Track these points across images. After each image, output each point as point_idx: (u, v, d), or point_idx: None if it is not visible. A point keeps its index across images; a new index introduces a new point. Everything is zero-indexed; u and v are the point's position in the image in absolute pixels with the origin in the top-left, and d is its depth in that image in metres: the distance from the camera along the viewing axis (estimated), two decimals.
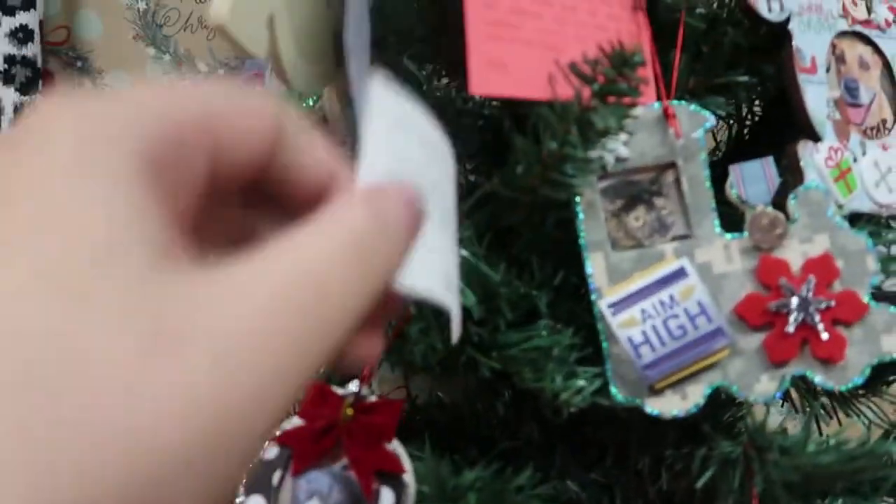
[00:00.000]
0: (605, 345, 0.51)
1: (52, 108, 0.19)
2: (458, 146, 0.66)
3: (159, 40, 0.93)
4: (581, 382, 0.51)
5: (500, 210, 0.56)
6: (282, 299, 0.19)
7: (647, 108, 0.53)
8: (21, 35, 0.87)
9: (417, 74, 0.54)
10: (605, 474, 0.62)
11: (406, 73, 0.54)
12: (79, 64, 0.94)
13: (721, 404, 0.56)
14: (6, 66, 0.87)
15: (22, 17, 0.87)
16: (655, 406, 0.50)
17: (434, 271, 0.26)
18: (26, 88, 0.87)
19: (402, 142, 0.26)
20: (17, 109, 0.86)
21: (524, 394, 0.63)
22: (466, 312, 0.52)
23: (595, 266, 0.52)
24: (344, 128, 0.56)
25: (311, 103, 0.64)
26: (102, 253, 0.17)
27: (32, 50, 0.88)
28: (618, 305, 0.50)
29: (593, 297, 0.52)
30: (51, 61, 0.92)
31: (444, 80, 0.61)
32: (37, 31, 0.88)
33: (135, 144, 0.19)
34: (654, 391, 0.50)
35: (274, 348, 0.18)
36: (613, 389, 0.51)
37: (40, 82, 0.88)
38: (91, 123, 0.19)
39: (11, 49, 0.87)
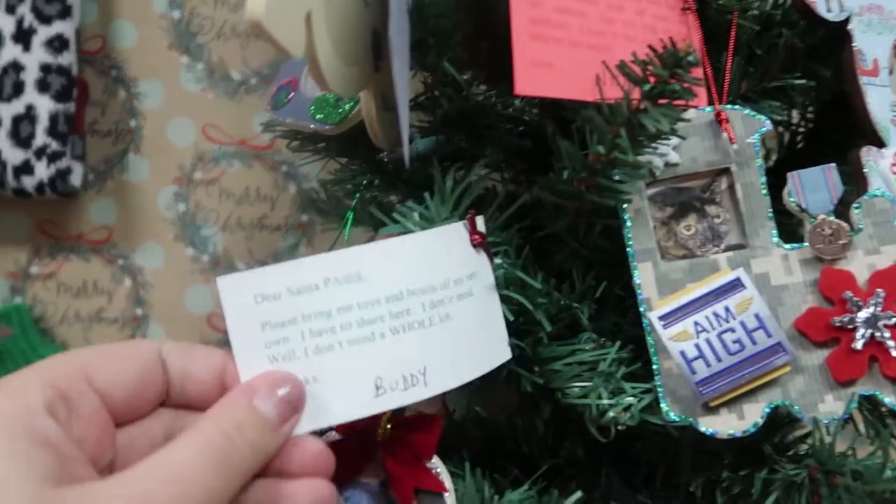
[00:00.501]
0: (655, 359, 0.49)
1: None
2: (497, 154, 0.64)
3: (193, 49, 0.93)
4: (629, 399, 0.49)
5: (542, 218, 0.54)
6: (144, 498, 0.29)
7: (699, 111, 0.50)
8: (57, 44, 0.87)
9: (458, 78, 0.52)
10: (653, 496, 0.59)
11: (445, 77, 0.52)
12: (113, 73, 0.93)
13: (780, 424, 0.53)
14: (42, 74, 0.87)
15: (58, 26, 0.87)
16: (710, 425, 0.47)
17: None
18: (61, 97, 0.87)
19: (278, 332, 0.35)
20: (53, 118, 0.86)
21: (567, 410, 0.61)
22: (508, 323, 0.49)
23: (644, 276, 0.50)
24: (381, 131, 0.54)
25: (346, 108, 0.62)
26: None
27: (68, 59, 0.87)
28: (669, 318, 0.48)
29: (642, 308, 0.49)
30: (86, 70, 0.92)
31: (484, 87, 0.59)
32: (73, 39, 0.88)
33: (22, 418, 0.29)
34: (709, 409, 0.47)
35: None
36: (665, 407, 0.48)
37: (75, 91, 0.88)
38: None
39: (47, 58, 0.87)
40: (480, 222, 0.43)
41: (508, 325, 0.49)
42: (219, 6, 0.93)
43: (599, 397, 0.49)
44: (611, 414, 0.48)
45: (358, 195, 0.67)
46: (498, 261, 0.46)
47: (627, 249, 0.50)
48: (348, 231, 0.67)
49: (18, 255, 0.94)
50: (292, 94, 0.71)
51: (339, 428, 0.47)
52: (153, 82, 0.93)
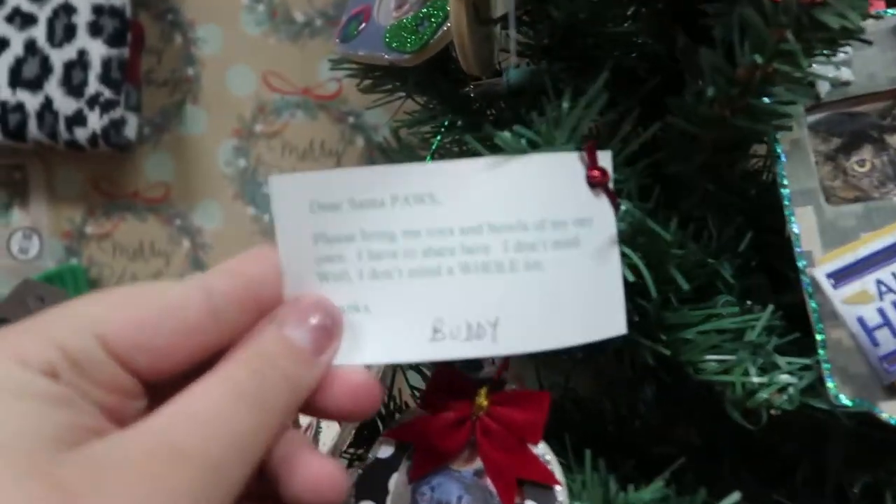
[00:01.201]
0: (819, 327, 0.39)
1: None
2: (600, 87, 0.54)
3: None
4: (785, 377, 0.39)
5: (671, 154, 0.44)
6: (170, 448, 0.25)
7: (880, 14, 0.40)
8: None
9: None
10: (792, 496, 0.49)
11: None
12: (169, 16, 0.87)
13: None
14: (94, 16, 0.81)
15: None
16: (895, 412, 0.37)
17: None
18: (114, 41, 0.81)
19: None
20: (106, 64, 0.80)
21: (683, 390, 0.51)
22: (626, 283, 0.40)
23: (803, 224, 0.40)
24: (472, 51, 0.45)
25: (427, 32, 0.54)
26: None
27: None
28: (840, 275, 0.38)
29: (801, 264, 0.39)
30: (140, 14, 0.85)
31: None
32: None
33: (20, 377, 0.25)
34: (894, 391, 0.37)
35: (167, 485, 0.24)
36: (832, 388, 0.38)
37: (128, 35, 0.82)
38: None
39: None
40: (604, 157, 0.34)
41: (627, 284, 0.39)
42: None
43: (746, 374, 0.39)
44: (762, 395, 0.39)
45: (438, 138, 0.59)
46: (626, 205, 0.36)
47: (781, 191, 0.40)
48: None
49: (73, 214, 0.90)
50: (363, 24, 0.62)
51: (426, 403, 0.39)
52: (211, 26, 0.87)
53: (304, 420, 0.52)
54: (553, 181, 0.33)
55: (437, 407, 0.39)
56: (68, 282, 0.87)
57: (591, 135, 0.53)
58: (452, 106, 0.59)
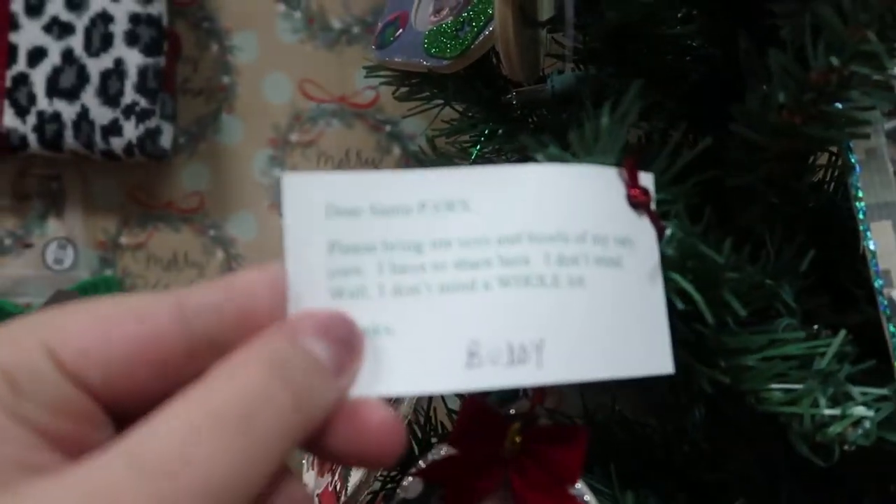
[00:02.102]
0: None
1: None
2: (651, 94, 0.51)
3: None
4: (860, 409, 0.36)
5: (732, 166, 0.41)
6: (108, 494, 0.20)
7: None
8: None
9: None
10: None
11: None
12: (205, 24, 0.86)
13: None
14: (131, 25, 0.80)
15: None
16: None
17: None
18: (151, 50, 0.80)
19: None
20: (142, 73, 0.79)
21: (740, 416, 0.48)
22: (686, 303, 0.37)
23: (881, 240, 0.37)
24: (518, 55, 0.42)
25: (468, 38, 0.51)
26: None
27: (158, 8, 0.81)
28: None
29: (877, 284, 0.36)
30: (176, 22, 0.85)
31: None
32: None
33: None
34: None
35: None
36: None
37: (165, 44, 0.81)
38: None
39: (136, 7, 0.80)
40: (647, 178, 0.31)
41: (689, 304, 0.36)
42: None
43: (816, 405, 0.36)
44: (834, 429, 0.36)
45: (478, 148, 0.57)
46: (672, 228, 0.33)
47: (856, 204, 0.37)
48: None
49: (108, 224, 0.89)
50: (400, 30, 0.61)
51: (455, 441, 0.37)
52: (247, 34, 0.86)
53: None
54: (593, 194, 0.30)
55: (467, 444, 0.36)
56: (102, 292, 0.87)
57: (640, 145, 0.50)
58: (493, 114, 0.57)
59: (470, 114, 0.58)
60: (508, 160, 0.58)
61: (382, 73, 0.62)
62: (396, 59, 0.58)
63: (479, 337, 0.27)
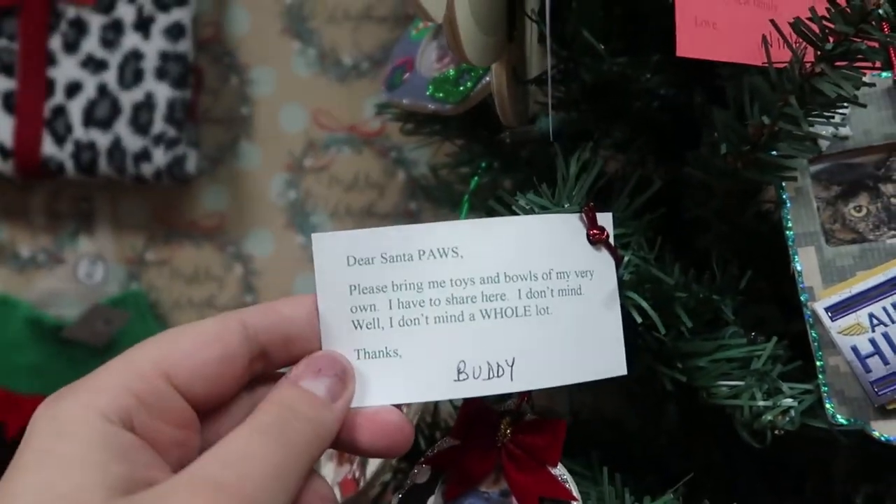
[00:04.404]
0: (819, 355, 0.43)
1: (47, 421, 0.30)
2: (625, 133, 0.59)
3: (304, 34, 0.92)
4: (788, 401, 0.44)
5: (689, 201, 0.49)
6: (214, 485, 0.28)
7: (874, 77, 0.44)
8: (175, 31, 0.88)
9: (597, 48, 0.48)
10: None
11: (584, 46, 0.48)
12: (226, 59, 0.94)
13: None
14: (160, 62, 0.88)
15: (176, 14, 0.88)
16: (886, 431, 0.42)
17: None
18: (179, 84, 0.88)
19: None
20: (170, 105, 0.87)
21: (703, 411, 0.56)
22: (643, 317, 0.45)
23: (806, 263, 0.44)
24: (511, 106, 0.50)
25: (468, 86, 0.59)
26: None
27: (185, 46, 0.88)
28: (838, 309, 0.43)
29: (803, 298, 0.44)
30: (200, 57, 0.92)
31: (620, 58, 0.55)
32: (189, 27, 0.88)
33: (100, 426, 0.29)
34: (885, 412, 0.42)
35: None
36: (830, 409, 0.43)
37: (191, 78, 0.89)
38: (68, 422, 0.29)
39: (165, 45, 0.88)
40: (605, 218, 0.39)
41: (646, 318, 0.44)
42: None
43: (753, 398, 0.44)
44: (767, 417, 0.43)
45: (476, 179, 0.65)
46: (628, 256, 0.41)
47: (786, 233, 0.45)
48: (464, 217, 0.64)
49: (135, 242, 0.96)
50: (407, 74, 0.68)
51: (456, 433, 0.44)
52: (265, 69, 0.93)
53: None
54: (557, 237, 0.37)
55: (466, 436, 0.42)
56: (131, 306, 0.93)
57: (616, 176, 0.58)
58: (489, 149, 0.64)
59: (469, 149, 0.66)
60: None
61: (390, 109, 0.70)
62: (404, 101, 0.65)
63: (465, 357, 0.35)
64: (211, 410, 0.33)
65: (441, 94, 0.61)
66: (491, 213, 0.59)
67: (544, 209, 0.40)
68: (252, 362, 0.33)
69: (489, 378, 0.35)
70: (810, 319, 0.44)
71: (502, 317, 0.35)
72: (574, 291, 0.37)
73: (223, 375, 0.32)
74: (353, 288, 0.35)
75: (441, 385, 0.35)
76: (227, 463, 0.29)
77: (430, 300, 0.35)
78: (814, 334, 0.44)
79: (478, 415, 0.43)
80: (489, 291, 0.35)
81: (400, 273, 0.35)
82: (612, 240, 0.39)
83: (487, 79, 0.58)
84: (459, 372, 0.35)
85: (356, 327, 0.35)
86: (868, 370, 0.41)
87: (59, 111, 0.89)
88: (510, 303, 0.35)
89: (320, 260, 0.34)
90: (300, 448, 0.31)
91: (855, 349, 0.42)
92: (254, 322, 0.33)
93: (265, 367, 0.34)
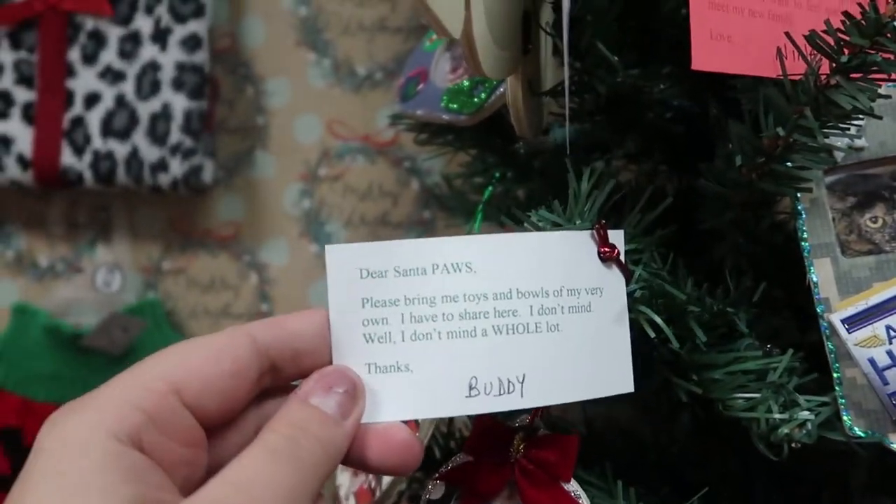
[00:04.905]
0: (836, 367, 0.43)
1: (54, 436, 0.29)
2: (638, 144, 0.59)
3: (319, 45, 0.93)
4: (805, 413, 0.44)
5: (704, 213, 0.49)
6: None
7: (889, 89, 0.44)
8: (191, 42, 0.89)
9: (611, 60, 0.48)
10: None
11: (598, 59, 0.49)
12: (241, 70, 0.95)
13: None
14: (177, 73, 0.89)
15: (193, 25, 0.89)
16: None
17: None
18: (195, 94, 0.88)
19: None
20: (187, 115, 0.88)
21: (719, 421, 0.56)
22: (656, 331, 0.44)
23: (821, 274, 0.44)
24: (526, 118, 0.51)
25: (482, 97, 0.60)
26: None
27: (201, 57, 0.89)
28: (854, 321, 0.42)
29: (819, 309, 0.44)
30: (216, 68, 0.93)
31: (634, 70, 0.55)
32: (205, 38, 0.89)
33: (110, 447, 0.28)
34: None
35: None
36: (848, 421, 0.43)
37: (207, 88, 0.90)
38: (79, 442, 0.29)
39: (182, 57, 0.89)
40: (616, 235, 0.39)
41: (659, 332, 0.44)
42: (345, 1, 0.92)
43: (769, 411, 0.44)
44: (783, 430, 0.43)
45: (490, 189, 0.65)
46: (639, 272, 0.41)
47: (802, 244, 0.45)
48: (478, 226, 0.64)
49: (152, 251, 0.97)
50: (421, 85, 0.69)
51: (469, 449, 0.44)
52: (280, 80, 0.94)
53: None
54: (568, 254, 0.37)
55: (479, 452, 0.42)
56: (148, 314, 0.94)
57: (629, 188, 0.58)
58: (503, 159, 0.65)
59: (482, 159, 0.66)
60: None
61: (404, 120, 0.70)
62: (419, 112, 0.65)
63: (476, 373, 0.35)
64: (219, 427, 0.32)
65: (455, 105, 0.62)
66: (503, 227, 0.59)
67: (556, 226, 0.40)
68: (261, 377, 0.33)
69: (500, 394, 0.35)
70: (826, 331, 0.43)
71: (514, 333, 0.35)
72: (584, 308, 0.37)
73: (233, 390, 0.32)
74: (365, 301, 0.34)
75: (452, 401, 0.35)
76: (238, 487, 0.29)
77: (443, 315, 0.35)
78: (830, 346, 0.43)
79: (491, 430, 0.43)
80: (501, 307, 0.35)
81: (413, 287, 0.34)
82: (622, 257, 0.39)
83: (501, 89, 0.59)
84: (471, 388, 0.35)
85: (368, 341, 0.34)
86: (885, 382, 0.41)
87: (78, 122, 0.90)
88: (522, 319, 0.35)
89: (333, 272, 0.34)
90: (311, 469, 0.31)
91: (872, 361, 0.41)
92: (263, 336, 0.33)
93: (274, 381, 0.34)
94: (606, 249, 0.38)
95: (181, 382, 0.31)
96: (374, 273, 0.34)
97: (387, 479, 0.57)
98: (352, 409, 0.33)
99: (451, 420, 0.60)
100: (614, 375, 0.38)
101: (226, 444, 0.32)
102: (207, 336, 0.33)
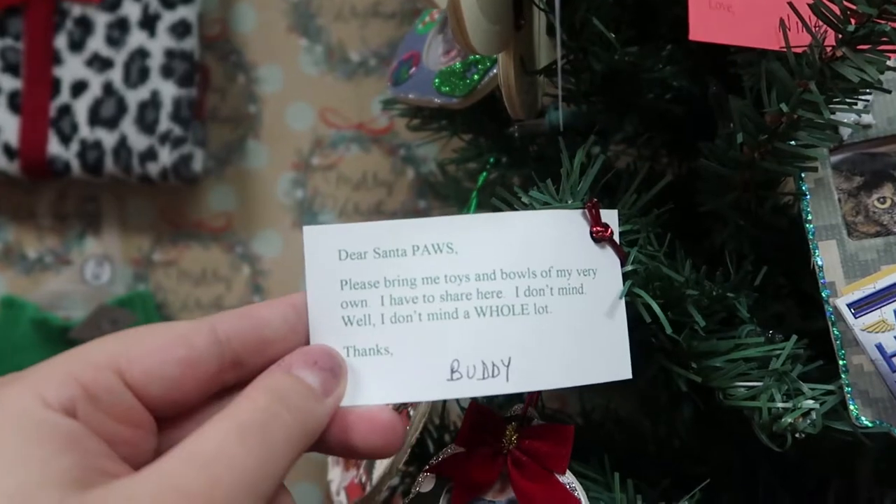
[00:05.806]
0: (841, 354, 0.41)
1: None
2: (635, 126, 0.57)
3: (312, 31, 0.91)
4: (809, 402, 0.42)
5: (704, 195, 0.47)
6: (176, 491, 0.26)
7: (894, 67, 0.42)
8: (180, 29, 0.87)
9: (608, 37, 0.46)
10: None
11: (593, 35, 0.47)
12: (232, 58, 0.93)
13: None
14: (166, 60, 0.87)
15: (182, 11, 0.87)
16: None
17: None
18: (184, 82, 0.87)
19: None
20: (176, 103, 0.86)
21: (720, 412, 0.54)
22: (652, 316, 0.42)
23: (827, 257, 0.42)
24: (519, 98, 0.49)
25: (475, 78, 0.58)
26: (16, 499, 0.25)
27: (191, 44, 0.87)
28: (861, 305, 0.41)
29: (824, 294, 0.42)
30: (206, 55, 0.92)
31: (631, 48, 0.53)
32: (195, 24, 0.88)
33: (39, 416, 0.27)
34: None
35: None
36: (854, 410, 0.41)
37: (197, 76, 0.88)
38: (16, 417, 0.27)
39: (171, 43, 0.87)
40: (609, 215, 0.37)
41: (656, 318, 0.42)
42: None
43: (772, 400, 0.42)
44: (787, 420, 0.42)
45: (484, 175, 0.63)
46: (634, 253, 0.39)
47: (806, 226, 0.43)
48: (472, 212, 0.63)
49: (142, 243, 0.95)
50: (413, 69, 0.67)
51: (461, 440, 0.43)
52: (272, 67, 0.92)
53: None
54: (557, 234, 0.36)
55: (471, 443, 0.41)
56: (138, 307, 0.93)
57: (629, 171, 0.57)
58: (497, 144, 0.63)
59: (476, 144, 0.65)
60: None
61: (397, 105, 0.69)
62: (410, 96, 0.64)
63: (459, 356, 0.34)
64: (173, 416, 0.31)
65: (447, 88, 0.60)
66: (495, 210, 0.58)
67: (547, 205, 0.38)
68: (222, 370, 0.31)
69: (484, 378, 0.34)
70: (832, 316, 0.42)
71: (498, 315, 0.34)
72: (576, 290, 0.36)
73: (185, 379, 0.30)
74: (344, 283, 0.34)
75: (434, 384, 0.34)
76: (196, 464, 0.27)
77: (424, 297, 0.34)
78: (836, 332, 0.42)
79: (483, 420, 0.42)
80: (484, 289, 0.34)
81: (393, 268, 0.34)
82: (616, 237, 0.37)
83: (494, 71, 0.57)
84: (453, 371, 0.34)
85: (346, 324, 0.34)
86: (894, 369, 0.39)
87: (65, 110, 0.88)
88: (506, 300, 0.34)
89: (311, 253, 0.33)
90: (282, 448, 0.29)
91: (880, 347, 0.40)
92: (226, 327, 0.31)
93: (238, 378, 0.32)
94: (599, 229, 0.36)
95: (127, 363, 0.29)
96: (352, 254, 0.34)
97: (377, 474, 0.55)
98: (333, 388, 0.32)
99: (444, 410, 0.58)
100: (610, 361, 0.36)
101: (180, 436, 0.30)
102: (171, 323, 0.32)
